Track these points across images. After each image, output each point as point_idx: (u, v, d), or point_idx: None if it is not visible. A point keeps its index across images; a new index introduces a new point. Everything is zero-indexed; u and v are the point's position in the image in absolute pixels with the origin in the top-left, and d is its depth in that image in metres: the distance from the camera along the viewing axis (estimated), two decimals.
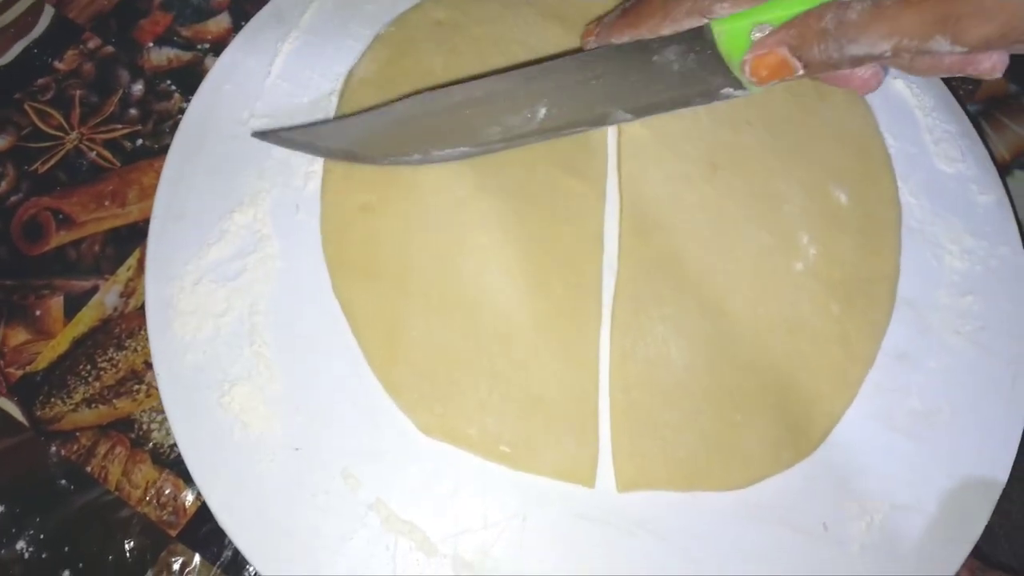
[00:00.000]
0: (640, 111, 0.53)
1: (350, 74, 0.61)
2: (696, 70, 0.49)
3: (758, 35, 0.46)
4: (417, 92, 0.56)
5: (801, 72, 0.45)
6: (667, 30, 0.48)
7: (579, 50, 0.57)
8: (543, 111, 0.53)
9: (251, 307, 0.54)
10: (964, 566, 0.52)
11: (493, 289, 0.54)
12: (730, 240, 0.57)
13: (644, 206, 0.58)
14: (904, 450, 0.54)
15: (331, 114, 0.59)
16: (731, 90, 0.49)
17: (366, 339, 0.53)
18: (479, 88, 0.54)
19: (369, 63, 0.61)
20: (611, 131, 0.61)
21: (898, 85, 0.66)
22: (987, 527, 0.53)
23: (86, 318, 0.60)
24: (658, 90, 0.51)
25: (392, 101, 0.56)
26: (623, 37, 0.50)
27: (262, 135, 0.56)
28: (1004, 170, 0.68)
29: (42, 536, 0.54)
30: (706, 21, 0.48)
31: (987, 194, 0.63)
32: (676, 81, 0.50)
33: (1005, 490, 0.54)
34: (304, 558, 0.49)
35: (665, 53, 0.50)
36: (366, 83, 0.60)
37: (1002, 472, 0.54)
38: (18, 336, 0.59)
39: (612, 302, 0.56)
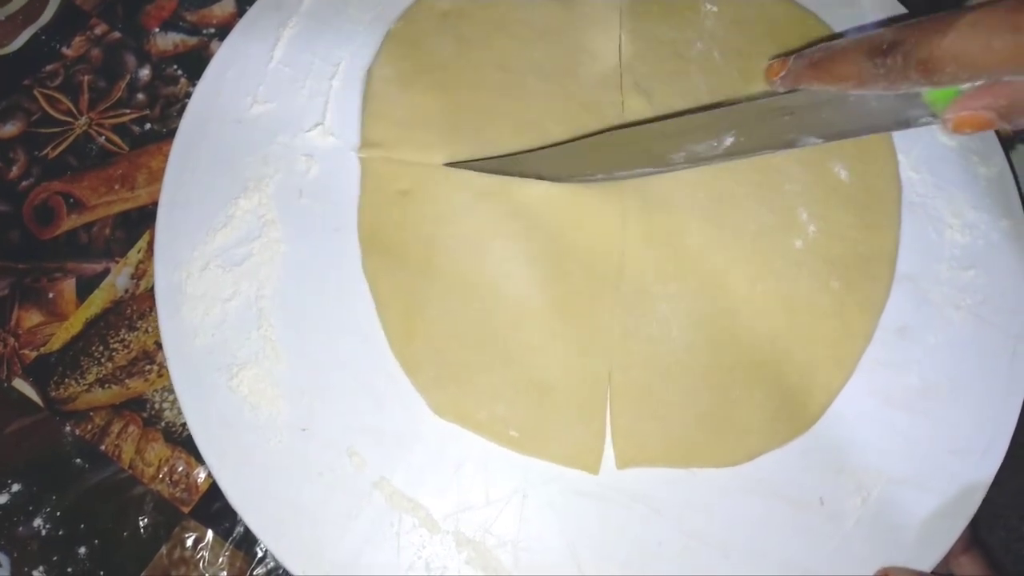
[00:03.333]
0: (831, 137, 0.51)
1: (369, 73, 0.61)
2: (894, 106, 0.47)
3: (966, 87, 0.43)
4: (612, 128, 0.57)
5: (1002, 127, 0.43)
6: (860, 92, 0.46)
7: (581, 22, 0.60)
8: (730, 140, 0.52)
9: (257, 291, 0.55)
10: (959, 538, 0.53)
11: (513, 275, 0.55)
12: (731, 218, 0.58)
13: (647, 186, 0.58)
14: (902, 425, 0.55)
15: (330, 99, 0.60)
16: (929, 119, 0.47)
17: (388, 317, 0.54)
18: (673, 125, 0.54)
19: (385, 61, 0.61)
20: (618, 112, 0.61)
21: None
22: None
23: (98, 300, 0.61)
24: (852, 122, 0.49)
25: (588, 135, 0.57)
26: (811, 86, 0.48)
27: (453, 165, 0.58)
28: (1007, 144, 0.68)
29: (58, 513, 0.56)
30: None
31: (989, 166, 0.62)
32: (872, 114, 0.48)
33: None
34: (312, 535, 0.50)
35: (864, 95, 0.48)
36: (388, 80, 0.60)
37: (1000, 447, 0.54)
38: (32, 318, 0.60)
39: (616, 282, 0.56)
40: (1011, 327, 0.58)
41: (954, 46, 0.39)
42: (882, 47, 0.42)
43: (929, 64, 0.40)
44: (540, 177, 0.57)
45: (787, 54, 0.50)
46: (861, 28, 0.65)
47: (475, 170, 0.57)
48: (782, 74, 0.49)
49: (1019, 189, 0.62)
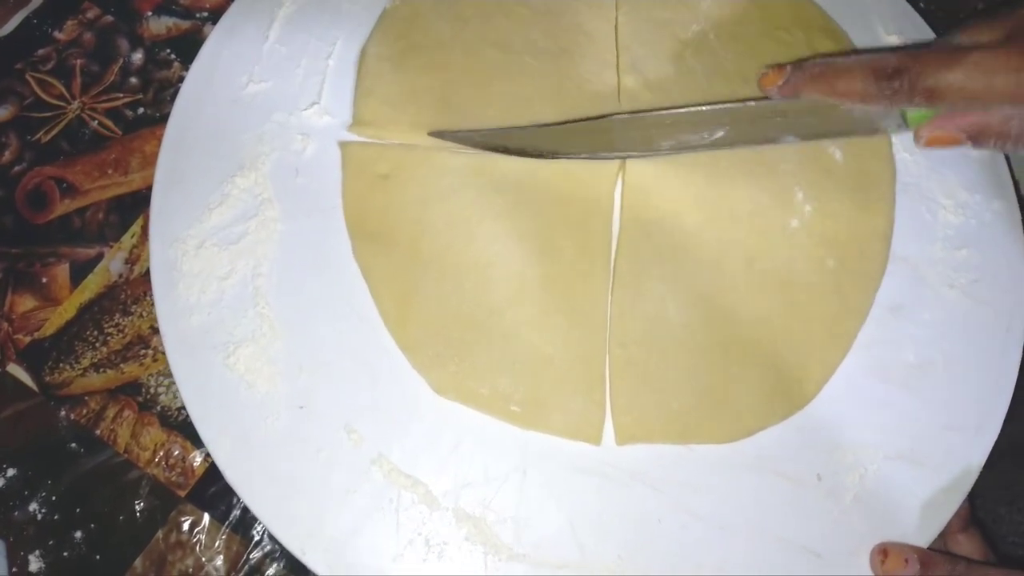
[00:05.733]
0: (808, 138, 0.54)
1: (363, 51, 0.61)
2: (873, 116, 0.50)
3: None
4: (610, 115, 0.57)
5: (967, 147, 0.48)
6: (859, 106, 0.49)
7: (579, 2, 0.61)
8: (720, 133, 0.54)
9: (254, 269, 0.54)
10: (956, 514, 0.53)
11: (505, 252, 0.55)
12: (727, 198, 0.58)
13: (644, 164, 0.58)
14: (898, 402, 0.55)
15: (326, 78, 0.60)
16: (895, 128, 0.50)
17: (383, 301, 0.54)
18: (670, 117, 0.55)
19: (380, 39, 0.61)
20: (613, 92, 0.61)
21: (893, 39, 0.66)
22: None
23: (92, 285, 0.61)
24: (832, 126, 0.52)
25: (582, 119, 0.58)
26: (810, 96, 0.50)
27: (436, 134, 0.58)
28: None
29: (54, 498, 0.55)
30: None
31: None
32: (853, 121, 0.51)
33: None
34: (310, 512, 0.50)
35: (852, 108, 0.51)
36: (381, 58, 0.60)
37: (995, 422, 0.55)
38: (26, 303, 0.60)
39: (614, 260, 0.57)
40: (1004, 305, 0.58)
41: (959, 80, 0.44)
42: (887, 71, 0.46)
43: (935, 93, 0.45)
44: (524, 153, 0.57)
45: (780, 65, 0.51)
46: (860, 15, 0.66)
47: (459, 142, 0.57)
48: (779, 83, 0.51)
49: (1011, 170, 0.63)
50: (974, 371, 0.56)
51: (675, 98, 0.60)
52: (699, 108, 0.54)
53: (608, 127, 0.57)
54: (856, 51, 0.61)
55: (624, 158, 0.57)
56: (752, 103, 0.53)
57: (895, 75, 0.45)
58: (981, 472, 0.54)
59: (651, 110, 0.56)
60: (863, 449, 0.53)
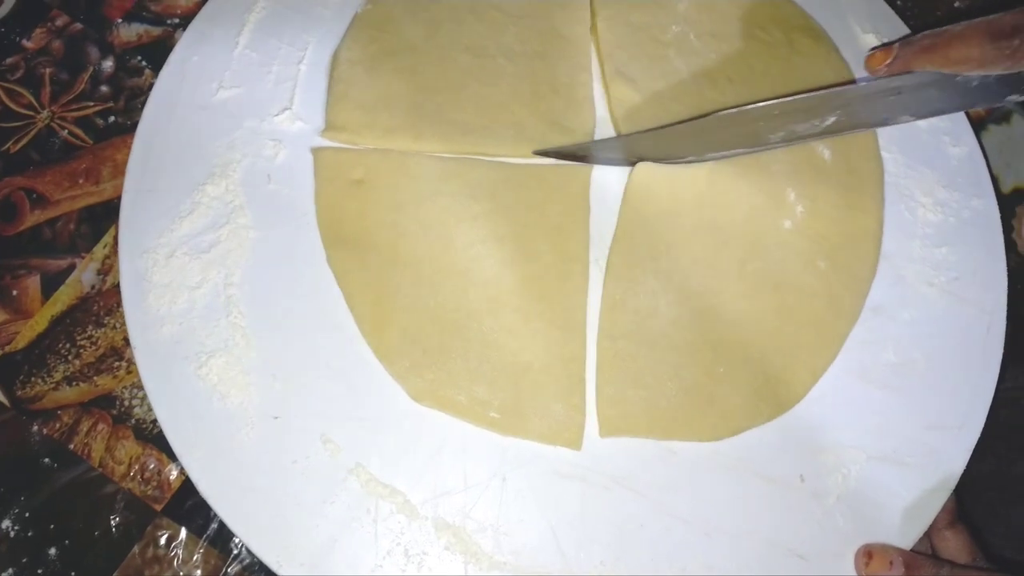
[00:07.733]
0: (925, 115, 0.53)
1: (335, 56, 0.61)
2: (993, 85, 0.49)
3: None
4: (712, 113, 0.56)
5: None
6: (977, 73, 0.47)
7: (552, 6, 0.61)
8: (832, 119, 0.53)
9: (226, 279, 0.54)
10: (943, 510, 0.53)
11: (482, 257, 0.55)
12: (726, 198, 0.58)
13: (641, 167, 0.58)
14: (880, 402, 0.55)
15: (298, 84, 0.60)
16: (1018, 97, 0.49)
17: (359, 308, 0.53)
18: (777, 107, 0.54)
19: (352, 43, 0.61)
20: (599, 93, 0.62)
21: (870, 38, 0.66)
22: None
23: (64, 297, 0.60)
24: (951, 100, 0.51)
25: (684, 121, 0.57)
26: (923, 67, 0.49)
27: (543, 153, 0.58)
28: (979, 125, 0.69)
29: (27, 514, 0.55)
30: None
31: (960, 146, 0.63)
32: (971, 92, 0.50)
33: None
34: (286, 524, 0.49)
35: (970, 75, 0.50)
36: (354, 64, 0.60)
37: (977, 421, 0.55)
38: None
39: (609, 251, 0.57)
40: (984, 303, 0.58)
41: None
42: (1005, 30, 0.44)
43: None
44: (629, 162, 0.58)
45: (887, 45, 0.51)
46: (836, 13, 0.67)
47: (560, 157, 0.58)
48: (887, 62, 0.50)
49: (989, 169, 0.63)
50: (956, 369, 0.56)
51: (666, 101, 0.61)
52: (808, 95, 0.53)
53: (714, 125, 0.56)
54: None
55: (733, 156, 0.57)
56: (863, 83, 0.53)
57: (1014, 33, 0.44)
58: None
59: (755, 103, 0.55)
60: (846, 450, 0.53)
